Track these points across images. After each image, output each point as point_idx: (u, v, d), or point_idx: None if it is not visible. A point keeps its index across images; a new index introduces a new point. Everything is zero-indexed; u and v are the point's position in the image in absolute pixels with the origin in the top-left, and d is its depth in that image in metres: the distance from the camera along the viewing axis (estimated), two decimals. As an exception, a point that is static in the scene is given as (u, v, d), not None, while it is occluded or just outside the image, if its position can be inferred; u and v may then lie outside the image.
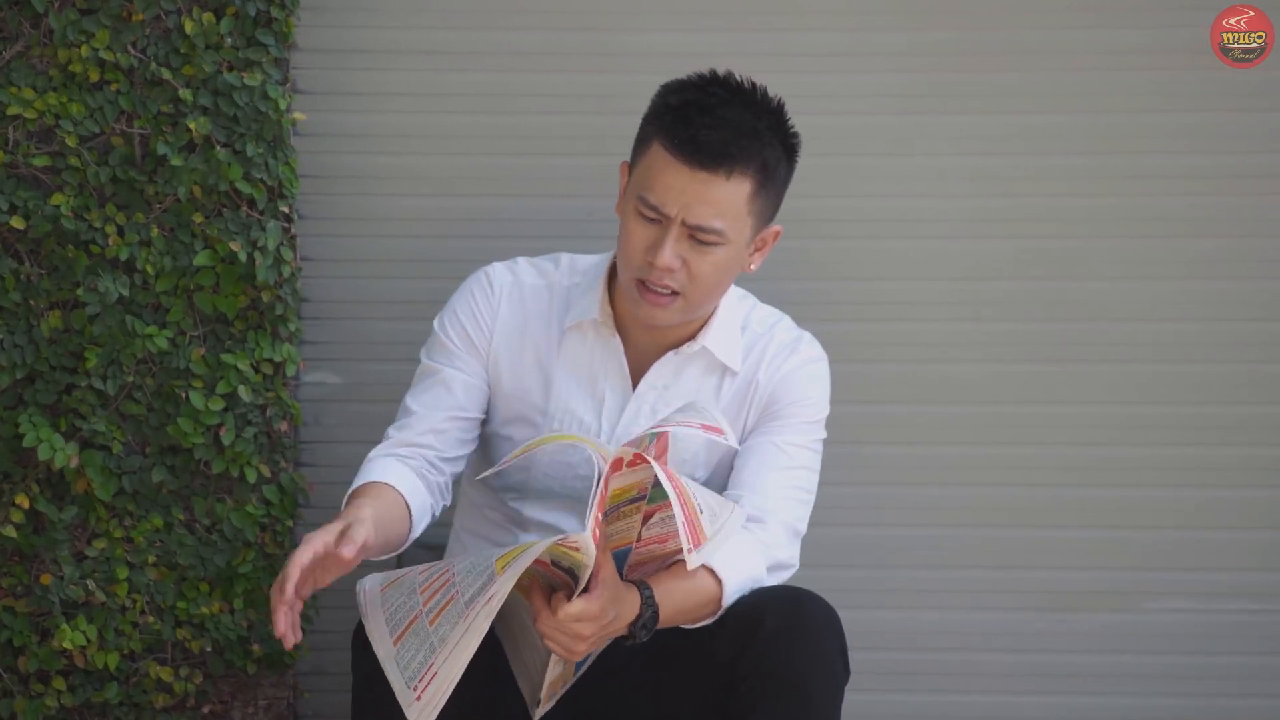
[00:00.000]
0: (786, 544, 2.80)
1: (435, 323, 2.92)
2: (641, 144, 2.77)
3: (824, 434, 2.92)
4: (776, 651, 2.60)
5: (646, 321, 2.80)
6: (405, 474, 2.78)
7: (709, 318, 2.88)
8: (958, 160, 3.43)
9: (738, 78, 2.75)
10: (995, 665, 3.50)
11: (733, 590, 2.67)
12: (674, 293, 2.75)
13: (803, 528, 2.85)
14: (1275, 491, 3.47)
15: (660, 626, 2.61)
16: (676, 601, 2.62)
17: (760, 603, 2.64)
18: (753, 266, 2.83)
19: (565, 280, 2.91)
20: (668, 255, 2.71)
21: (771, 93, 2.76)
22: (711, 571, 2.66)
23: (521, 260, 2.95)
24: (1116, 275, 3.45)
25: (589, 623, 2.50)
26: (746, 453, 2.87)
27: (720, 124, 2.68)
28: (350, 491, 2.72)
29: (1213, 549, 3.48)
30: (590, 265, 2.92)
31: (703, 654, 2.67)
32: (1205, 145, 3.43)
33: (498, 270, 2.92)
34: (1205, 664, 3.49)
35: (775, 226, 2.83)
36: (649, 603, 2.58)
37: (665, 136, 2.71)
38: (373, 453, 2.81)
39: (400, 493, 2.73)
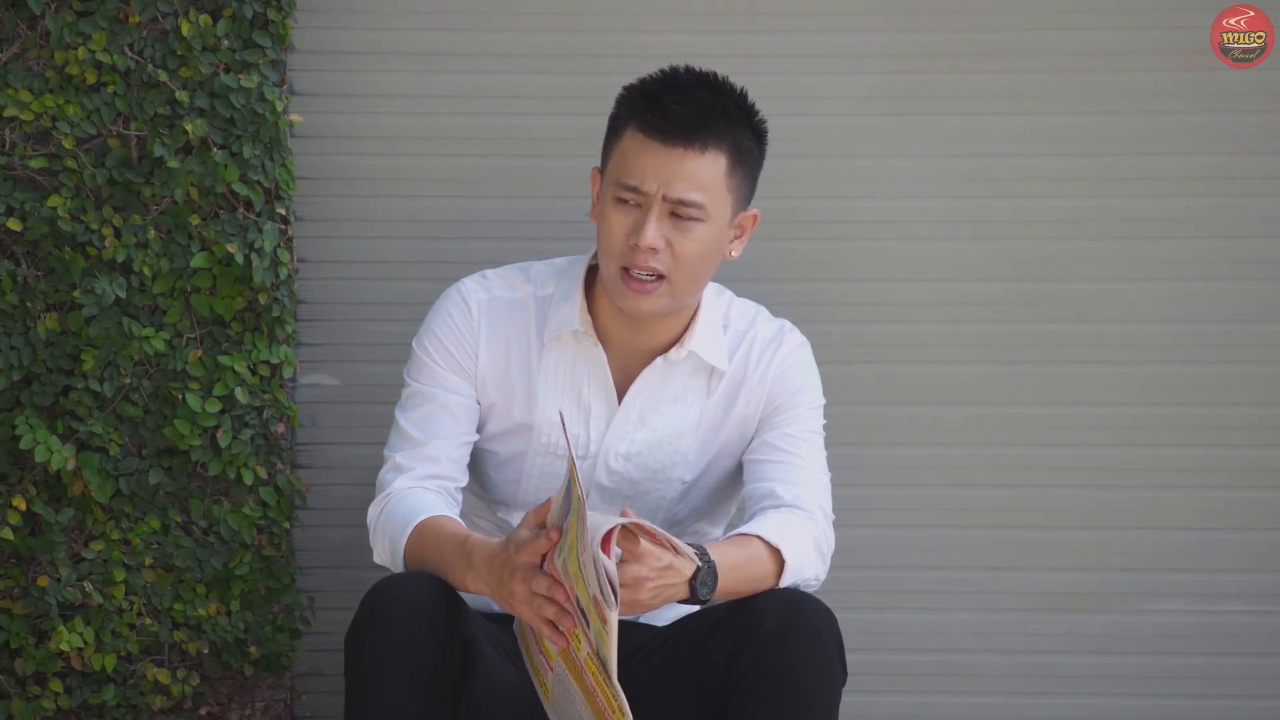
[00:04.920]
0: (827, 528, 2.84)
1: (415, 345, 2.91)
2: (612, 137, 2.81)
3: (824, 419, 2.96)
4: (774, 652, 2.60)
5: (633, 311, 2.80)
6: (451, 508, 2.82)
7: (692, 319, 2.88)
8: (955, 162, 3.43)
9: (699, 69, 2.80)
10: (992, 666, 3.50)
11: (793, 558, 2.70)
12: (659, 277, 2.76)
13: (831, 510, 2.88)
14: (1273, 493, 3.47)
15: (721, 593, 2.61)
16: (734, 562, 2.63)
17: (758, 604, 2.65)
18: (734, 253, 2.85)
19: (539, 291, 2.91)
20: (651, 233, 2.73)
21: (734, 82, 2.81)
22: (765, 541, 2.69)
23: (490, 274, 2.94)
24: (1115, 276, 3.44)
25: (645, 563, 2.51)
26: (764, 449, 2.90)
27: (690, 100, 2.73)
28: (415, 527, 2.73)
29: (1210, 550, 3.47)
30: (562, 272, 2.92)
31: (701, 655, 2.68)
32: (1204, 146, 3.43)
33: (470, 287, 2.92)
34: (1203, 665, 3.49)
35: (753, 210, 2.84)
36: (704, 558, 2.58)
37: (637, 119, 2.75)
38: (398, 482, 2.82)
39: (456, 521, 2.78)
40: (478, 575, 2.58)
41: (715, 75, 2.79)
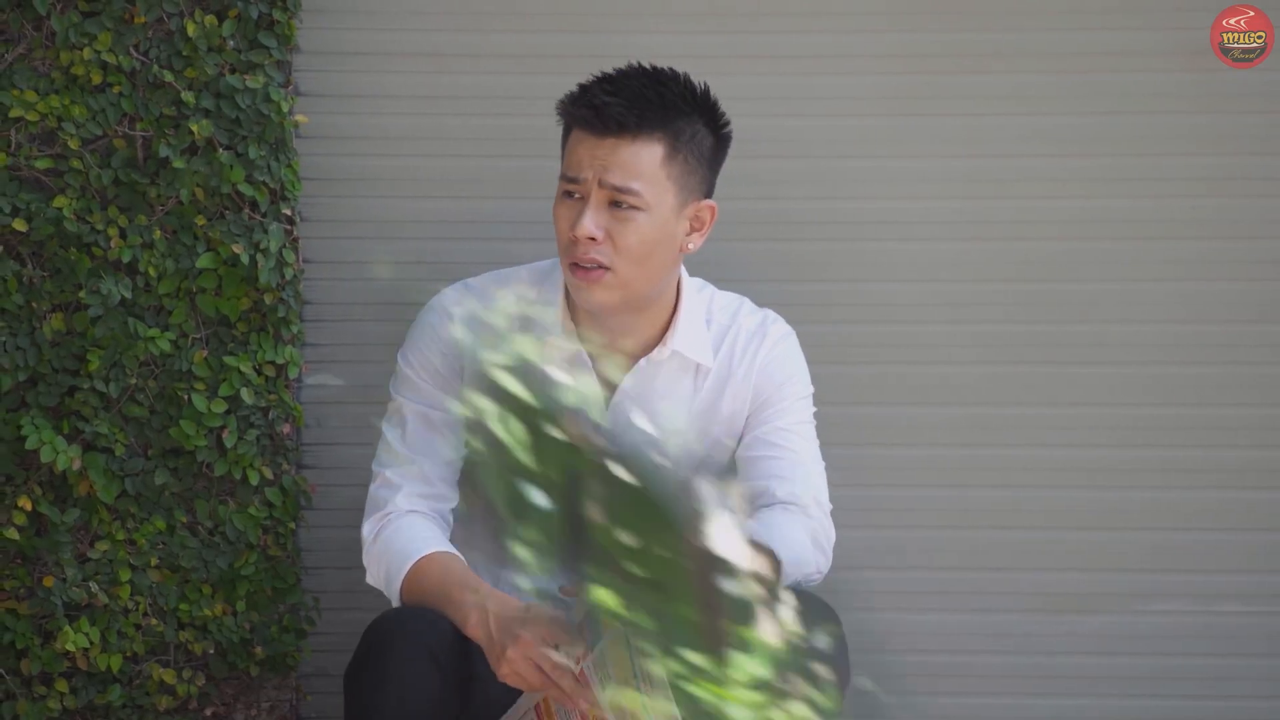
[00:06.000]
0: (824, 520, 2.85)
1: (400, 359, 2.92)
2: (563, 139, 2.84)
3: (814, 407, 2.96)
4: (775, 653, 2.60)
5: (587, 305, 2.80)
6: (445, 536, 2.82)
7: (672, 317, 2.88)
8: (954, 162, 3.43)
9: (650, 65, 2.81)
10: (992, 667, 3.50)
11: (787, 558, 2.67)
12: (604, 268, 2.76)
13: (828, 501, 2.88)
14: (1273, 493, 3.47)
15: None
16: None
17: (758, 604, 2.65)
18: (691, 246, 2.84)
19: (521, 298, 2.91)
20: (587, 221, 2.74)
21: (696, 79, 2.81)
22: (755, 544, 2.68)
23: (472, 283, 2.95)
24: (1114, 277, 3.45)
25: None
26: (756, 445, 2.90)
27: (619, 90, 2.75)
28: (416, 562, 2.73)
29: (1209, 551, 3.48)
30: (543, 277, 2.93)
31: (703, 655, 2.68)
32: (1206, 146, 3.43)
33: (452, 299, 2.93)
34: (1203, 665, 3.49)
35: (709, 202, 2.84)
36: None
37: (571, 115, 2.79)
38: (395, 501, 2.83)
39: (460, 560, 2.77)
40: (483, 622, 2.59)
41: (662, 68, 2.80)
